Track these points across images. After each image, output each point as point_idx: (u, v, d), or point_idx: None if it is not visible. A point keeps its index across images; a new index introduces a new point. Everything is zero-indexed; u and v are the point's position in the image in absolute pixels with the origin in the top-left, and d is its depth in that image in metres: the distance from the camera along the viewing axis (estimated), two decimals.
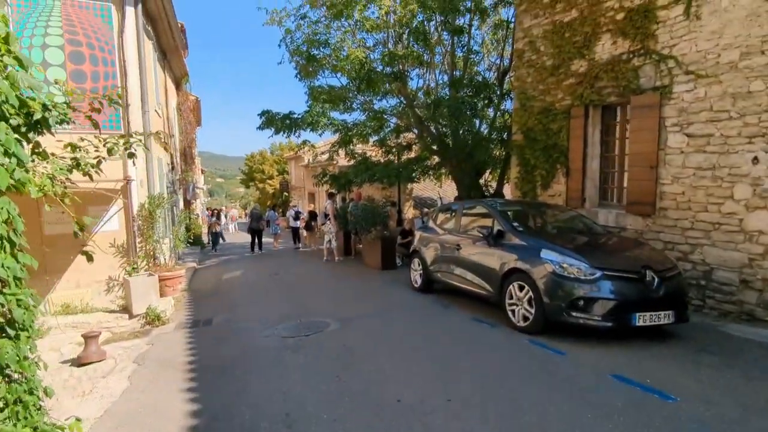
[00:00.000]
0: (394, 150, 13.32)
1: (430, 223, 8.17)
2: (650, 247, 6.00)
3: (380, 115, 13.19)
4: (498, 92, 11.03)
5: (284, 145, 40.99)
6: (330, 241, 12.96)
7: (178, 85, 18.71)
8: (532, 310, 5.23)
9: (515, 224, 6.11)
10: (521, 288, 5.42)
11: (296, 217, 18.02)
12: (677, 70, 6.85)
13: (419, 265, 8.04)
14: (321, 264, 12.78)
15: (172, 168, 14.93)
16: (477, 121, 10.83)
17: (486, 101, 10.46)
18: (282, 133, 13.50)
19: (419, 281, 8.06)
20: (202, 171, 50.86)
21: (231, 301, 8.60)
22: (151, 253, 9.53)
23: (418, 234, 8.42)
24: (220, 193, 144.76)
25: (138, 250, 9.32)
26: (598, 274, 4.86)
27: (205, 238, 21.81)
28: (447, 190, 20.00)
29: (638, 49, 7.40)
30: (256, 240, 17.84)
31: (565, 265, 5.02)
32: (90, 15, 8.90)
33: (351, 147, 14.49)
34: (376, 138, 14.37)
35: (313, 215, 17.26)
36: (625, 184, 7.81)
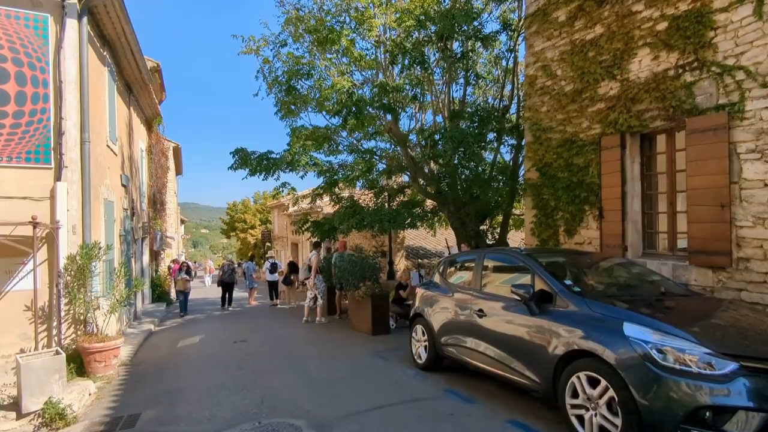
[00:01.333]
0: (385, 193, 11.60)
1: (437, 278, 6.29)
2: None
3: (369, 155, 11.58)
4: (502, 126, 9.46)
5: (268, 194, 39.30)
6: (316, 298, 10.88)
7: (149, 127, 17.08)
8: (618, 421, 3.28)
9: (567, 282, 4.27)
10: (593, 383, 3.50)
11: (273, 270, 15.93)
12: (750, 83, 5.33)
13: (423, 334, 6.09)
14: (299, 326, 10.67)
15: (133, 214, 12.98)
16: (486, 155, 9.25)
17: (495, 133, 8.86)
18: (258, 175, 11.77)
19: (424, 356, 6.07)
20: (183, 221, 48.67)
21: (176, 382, 6.47)
22: (81, 317, 7.43)
23: (420, 292, 6.52)
24: (204, 244, 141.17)
25: (63, 314, 7.23)
26: (731, 366, 2.99)
27: (173, 295, 19.50)
28: (440, 239, 18.25)
29: (690, 62, 5.92)
30: (227, 295, 15.81)
31: (667, 349, 3.16)
32: (20, 26, 7.24)
33: (337, 191, 12.78)
34: (363, 181, 12.72)
35: (293, 267, 15.24)
36: (684, 228, 6.10)
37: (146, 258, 16.51)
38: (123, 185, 11.61)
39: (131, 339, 10.09)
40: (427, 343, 6.00)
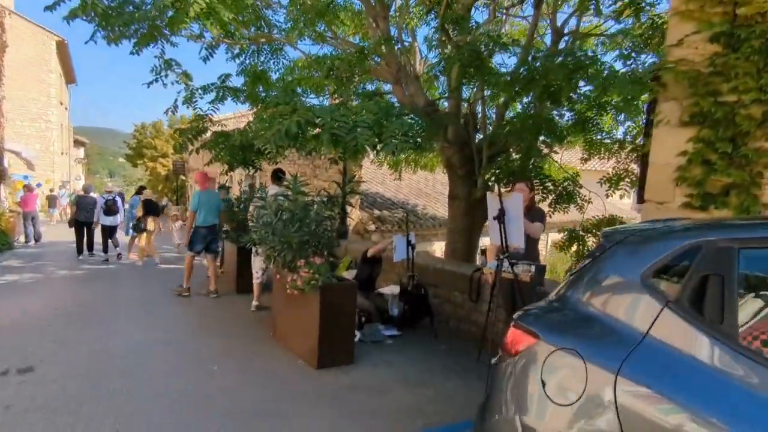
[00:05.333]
0: (352, 86, 6.40)
1: (679, 324, 1.43)
2: None
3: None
4: None
5: (186, 118, 32.04)
6: (263, 273, 6.03)
7: None
8: None
9: None
10: None
11: (109, 210, 10.25)
12: None
13: None
14: (169, 317, 5.63)
15: None
16: None
17: None
18: (120, 43, 6.14)
19: None
20: (82, 143, 39.79)
21: None
22: None
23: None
24: (121, 173, 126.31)
25: None
26: None
27: (19, 234, 13.30)
28: (403, 185, 13.46)
29: None
30: (85, 240, 10.52)
31: None
32: None
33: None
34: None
35: (150, 207, 9.85)
36: None
37: None
38: None
39: None
40: None
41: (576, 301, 1.74)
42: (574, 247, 7.59)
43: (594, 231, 7.60)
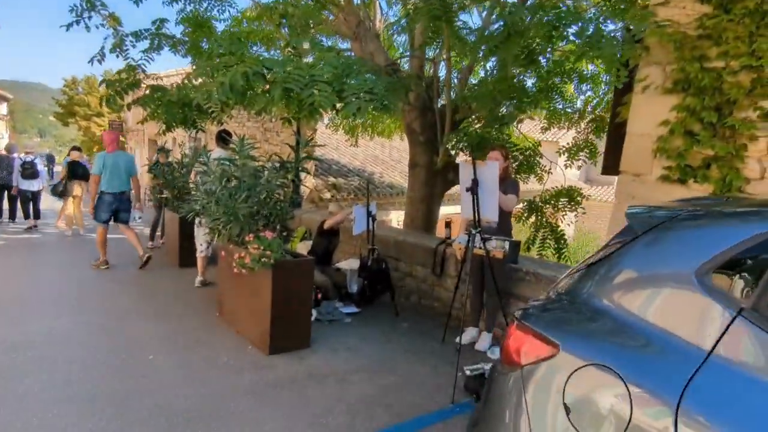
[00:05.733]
0: (308, 37, 5.71)
1: None
2: None
3: None
4: None
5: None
6: (208, 245, 5.44)
7: None
8: None
9: None
10: None
11: (26, 173, 9.03)
12: None
13: None
14: (92, 295, 4.95)
15: None
16: None
17: None
18: None
19: None
20: (4, 98, 35.82)
21: None
22: None
23: None
24: (53, 133, 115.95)
25: None
26: None
27: None
28: (358, 152, 12.90)
29: None
30: (6, 205, 9.55)
31: None
32: None
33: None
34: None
35: (75, 170, 8.73)
36: None
37: None
38: None
39: None
40: None
41: (590, 296, 1.39)
42: (533, 218, 7.47)
43: (552, 201, 7.50)
